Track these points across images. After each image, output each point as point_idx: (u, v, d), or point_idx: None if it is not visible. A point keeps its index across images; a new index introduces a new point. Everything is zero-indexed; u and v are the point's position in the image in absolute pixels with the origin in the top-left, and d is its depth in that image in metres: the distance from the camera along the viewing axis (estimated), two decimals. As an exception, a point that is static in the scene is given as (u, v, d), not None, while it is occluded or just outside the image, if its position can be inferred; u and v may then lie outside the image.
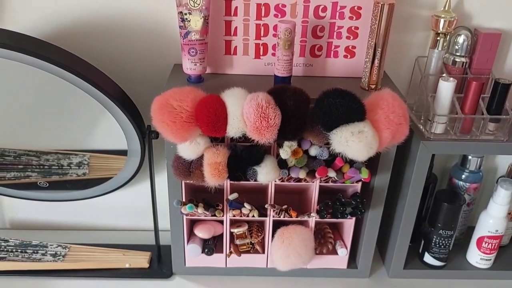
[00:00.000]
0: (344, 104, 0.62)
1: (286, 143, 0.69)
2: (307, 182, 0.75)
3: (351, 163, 0.72)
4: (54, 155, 0.86)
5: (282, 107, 0.63)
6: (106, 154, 0.86)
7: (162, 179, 0.81)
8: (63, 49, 0.73)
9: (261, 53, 0.77)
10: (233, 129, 0.64)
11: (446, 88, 0.71)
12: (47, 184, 0.88)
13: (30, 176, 0.87)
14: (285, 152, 0.69)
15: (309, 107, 0.65)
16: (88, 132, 0.83)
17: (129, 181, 0.87)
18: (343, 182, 0.75)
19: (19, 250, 0.89)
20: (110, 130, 0.77)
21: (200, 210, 0.74)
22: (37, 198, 0.91)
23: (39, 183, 0.87)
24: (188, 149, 0.68)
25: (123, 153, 0.82)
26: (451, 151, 0.77)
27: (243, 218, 0.79)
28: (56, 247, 0.91)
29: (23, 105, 0.80)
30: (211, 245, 0.84)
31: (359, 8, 0.73)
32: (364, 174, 0.71)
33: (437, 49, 0.77)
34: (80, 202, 0.91)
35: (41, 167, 0.87)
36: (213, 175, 0.68)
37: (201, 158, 0.69)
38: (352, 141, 0.63)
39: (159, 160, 0.87)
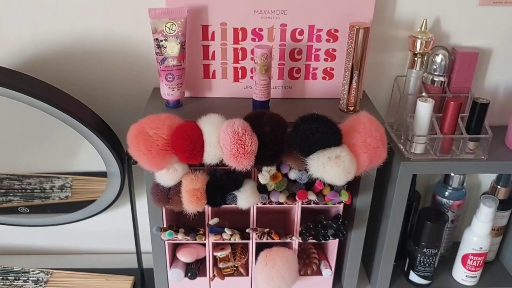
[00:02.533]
0: (320, 130, 0.62)
1: (265, 168, 0.68)
2: (288, 205, 0.74)
3: (332, 185, 0.72)
4: (36, 179, 0.86)
5: (258, 133, 0.63)
6: (88, 176, 0.85)
7: (144, 201, 0.80)
8: (36, 79, 0.72)
9: (240, 76, 0.77)
10: (210, 156, 0.64)
11: (424, 109, 0.71)
12: (28, 210, 0.87)
13: (12, 201, 0.87)
14: (264, 177, 0.68)
15: (287, 132, 0.65)
16: (69, 155, 0.83)
17: (112, 204, 0.86)
18: (325, 204, 0.74)
19: (0, 277, 0.88)
20: (90, 153, 0.77)
21: (180, 236, 0.74)
22: (19, 224, 0.90)
23: (20, 208, 0.87)
24: (166, 176, 0.67)
25: (105, 175, 0.81)
26: (432, 171, 0.77)
27: (226, 241, 0.78)
28: (38, 273, 0.90)
29: (3, 130, 0.79)
30: (194, 269, 0.83)
31: (336, 30, 0.73)
32: (344, 197, 0.71)
33: (415, 69, 0.77)
34: (63, 226, 0.90)
35: (24, 191, 0.86)
36: (192, 202, 0.67)
37: (179, 184, 0.68)
38: (329, 166, 0.62)
39: (140, 183, 0.86)
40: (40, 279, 0.88)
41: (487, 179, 0.93)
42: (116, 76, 0.81)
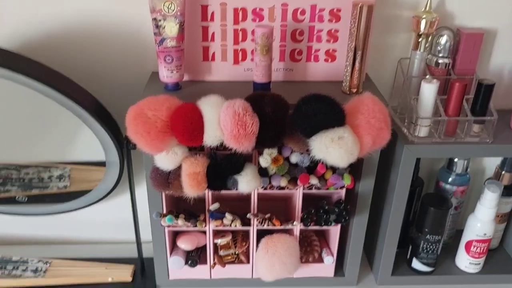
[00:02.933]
0: (322, 110, 0.60)
1: (266, 151, 0.67)
2: (289, 189, 0.73)
3: (334, 169, 0.70)
4: (34, 168, 0.84)
5: (260, 114, 0.62)
6: (86, 165, 0.84)
7: (143, 190, 0.78)
8: (35, 61, 0.71)
9: (240, 59, 0.75)
10: (210, 138, 0.62)
11: (429, 90, 0.70)
12: (26, 199, 0.85)
13: (10, 190, 0.85)
14: (265, 160, 0.67)
15: (288, 114, 0.63)
16: (68, 144, 0.82)
17: (110, 193, 0.85)
18: (327, 189, 0.73)
19: (-2, 267, 0.87)
20: (90, 141, 0.75)
21: (180, 221, 0.72)
22: (17, 213, 0.89)
23: (18, 198, 0.85)
24: (166, 160, 0.66)
25: (104, 164, 0.80)
26: (436, 154, 0.76)
27: (227, 228, 0.77)
28: (37, 262, 0.89)
29: (1, 119, 0.78)
30: (195, 257, 0.82)
31: (339, 10, 0.72)
32: (347, 181, 0.70)
33: (419, 50, 0.75)
34: (61, 216, 0.89)
35: (21, 180, 0.85)
36: (192, 186, 0.66)
37: (179, 168, 0.67)
38: (332, 148, 0.61)
39: (139, 171, 0.85)
40: (39, 268, 0.87)
41: (491, 165, 0.92)
42: (114, 59, 0.79)
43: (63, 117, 0.72)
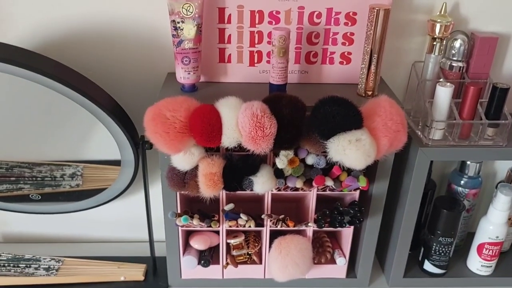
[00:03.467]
0: (341, 112, 0.61)
1: (283, 152, 0.67)
2: (304, 190, 0.73)
3: (349, 171, 0.71)
4: (47, 167, 0.85)
5: (277, 115, 0.62)
6: (99, 164, 0.85)
7: (157, 190, 0.79)
8: (53, 60, 0.72)
9: (256, 61, 0.76)
10: (228, 139, 0.63)
11: (444, 93, 0.70)
12: (40, 197, 0.86)
13: (22, 189, 0.86)
14: (282, 161, 0.67)
15: (305, 115, 0.64)
16: (82, 142, 0.82)
17: (123, 192, 0.85)
18: (341, 191, 0.73)
19: (11, 265, 0.88)
20: (104, 140, 0.76)
21: (195, 221, 0.73)
22: (30, 211, 0.89)
23: (31, 195, 0.86)
24: (183, 160, 0.66)
25: (117, 163, 0.80)
26: (450, 157, 0.76)
27: (240, 228, 0.77)
28: (50, 260, 0.89)
29: (15, 117, 0.79)
30: (207, 257, 0.82)
31: (355, 14, 0.72)
32: (362, 183, 0.70)
33: (434, 54, 0.76)
34: (74, 214, 0.89)
35: (34, 179, 0.85)
36: (208, 186, 0.66)
37: (196, 168, 0.67)
38: (349, 150, 0.61)
39: (154, 171, 0.85)
40: (52, 266, 0.88)
41: (503, 168, 0.92)
42: (131, 60, 0.80)
43: (77, 116, 0.73)
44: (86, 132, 0.80)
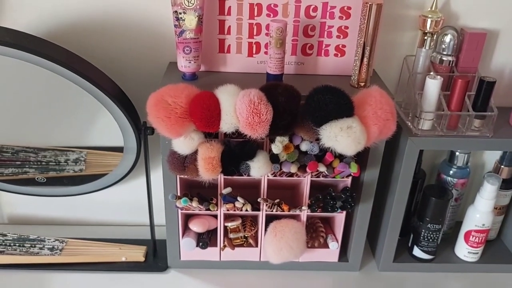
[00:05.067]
0: (333, 101, 0.64)
1: (278, 139, 0.71)
2: (298, 176, 0.77)
3: (341, 158, 0.74)
4: (51, 152, 0.88)
5: (273, 103, 0.66)
6: (102, 150, 0.88)
7: (157, 175, 0.83)
8: (61, 47, 0.75)
9: (254, 52, 0.79)
10: (226, 125, 0.66)
11: (433, 85, 0.74)
12: (45, 180, 0.89)
13: (28, 172, 0.89)
14: (277, 147, 0.71)
15: (300, 103, 0.67)
16: (85, 129, 0.85)
17: (125, 177, 0.89)
18: (334, 177, 0.77)
19: (17, 244, 0.91)
20: (107, 126, 0.79)
21: (194, 203, 0.76)
22: (35, 193, 0.92)
23: (37, 178, 0.89)
24: (183, 144, 0.70)
25: (120, 149, 0.84)
26: (438, 147, 0.80)
27: (237, 212, 0.81)
28: (54, 241, 0.93)
29: (21, 102, 0.81)
30: (206, 239, 0.86)
31: (349, 8, 0.76)
32: (354, 169, 0.74)
33: (425, 48, 0.79)
34: (77, 198, 0.92)
35: (39, 163, 0.88)
36: (207, 170, 0.70)
37: (195, 153, 0.71)
38: (341, 136, 0.65)
39: (155, 157, 0.89)
40: (56, 246, 0.91)
41: (491, 159, 0.96)
42: (134, 49, 0.83)
43: (82, 103, 0.76)
44: (90, 119, 0.83)
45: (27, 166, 0.89)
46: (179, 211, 0.82)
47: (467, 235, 0.89)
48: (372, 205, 0.83)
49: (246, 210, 0.79)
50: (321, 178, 0.78)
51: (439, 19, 0.77)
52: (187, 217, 0.86)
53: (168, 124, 0.66)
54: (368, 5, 0.70)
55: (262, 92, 0.66)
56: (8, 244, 0.91)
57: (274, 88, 0.67)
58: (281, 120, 0.66)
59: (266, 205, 0.80)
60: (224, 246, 0.85)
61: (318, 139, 0.68)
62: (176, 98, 0.66)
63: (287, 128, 0.68)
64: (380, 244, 0.89)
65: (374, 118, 0.66)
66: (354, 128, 0.65)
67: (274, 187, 0.81)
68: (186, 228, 0.86)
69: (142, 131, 0.79)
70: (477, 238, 0.88)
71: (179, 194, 0.80)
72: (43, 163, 0.88)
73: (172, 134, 0.67)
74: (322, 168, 0.74)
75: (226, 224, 0.84)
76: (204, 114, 0.65)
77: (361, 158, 0.76)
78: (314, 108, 0.65)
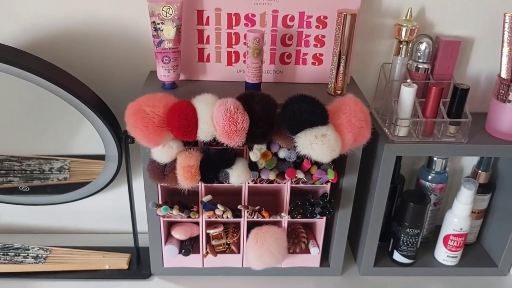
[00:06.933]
0: (308, 109, 0.66)
1: (256, 146, 0.72)
2: (278, 183, 0.78)
3: (319, 164, 0.75)
4: (35, 160, 0.88)
5: (250, 112, 0.67)
6: (86, 159, 0.88)
7: (140, 183, 0.83)
8: (40, 58, 0.76)
9: (233, 61, 0.81)
10: (204, 133, 0.68)
11: (408, 93, 0.75)
12: (28, 189, 0.90)
13: (12, 181, 0.89)
14: (255, 154, 0.72)
15: (276, 112, 0.68)
16: (69, 137, 0.86)
17: (108, 185, 0.89)
18: (313, 183, 0.78)
19: (1, 253, 0.91)
20: (90, 135, 0.80)
21: (175, 211, 0.77)
22: (19, 202, 0.93)
23: (21, 187, 0.89)
24: (162, 153, 0.71)
25: (102, 158, 0.84)
26: (414, 153, 0.81)
27: (219, 219, 0.82)
28: (38, 249, 0.93)
29: (5, 112, 0.82)
30: (188, 246, 0.86)
31: (325, 17, 0.77)
32: (331, 175, 0.75)
33: (400, 56, 0.80)
34: (61, 206, 0.93)
35: (23, 172, 0.89)
36: (186, 178, 0.71)
37: (174, 161, 0.72)
38: (315, 144, 0.66)
39: (136, 165, 0.89)
40: (40, 255, 0.92)
41: (469, 164, 0.97)
42: (115, 59, 0.84)
43: (65, 112, 0.77)
44: (73, 128, 0.84)
45: (11, 175, 0.89)
46: (161, 218, 0.82)
47: (446, 239, 0.90)
48: (352, 211, 0.84)
49: (227, 217, 0.80)
50: (301, 185, 0.79)
51: (413, 27, 0.78)
52: (170, 225, 0.87)
53: (146, 133, 0.66)
54: (343, 15, 0.71)
55: (239, 101, 0.67)
56: (-8, 253, 0.92)
57: (250, 97, 0.68)
58: (258, 128, 0.67)
59: (247, 212, 0.81)
60: (207, 253, 0.86)
61: (295, 147, 0.69)
62: (154, 107, 0.67)
63: (264, 136, 0.69)
64: (361, 249, 0.90)
65: (349, 126, 0.68)
66: (329, 135, 0.66)
67: (256, 193, 0.82)
68: (169, 236, 0.87)
69: (123, 139, 0.80)
70: (455, 242, 0.90)
71: (160, 202, 0.80)
72: (28, 171, 0.89)
73: (150, 143, 0.68)
74: (300, 175, 0.75)
75: (208, 231, 0.85)
76: (181, 123, 0.66)
77: (339, 164, 0.78)
78: (289, 116, 0.66)
